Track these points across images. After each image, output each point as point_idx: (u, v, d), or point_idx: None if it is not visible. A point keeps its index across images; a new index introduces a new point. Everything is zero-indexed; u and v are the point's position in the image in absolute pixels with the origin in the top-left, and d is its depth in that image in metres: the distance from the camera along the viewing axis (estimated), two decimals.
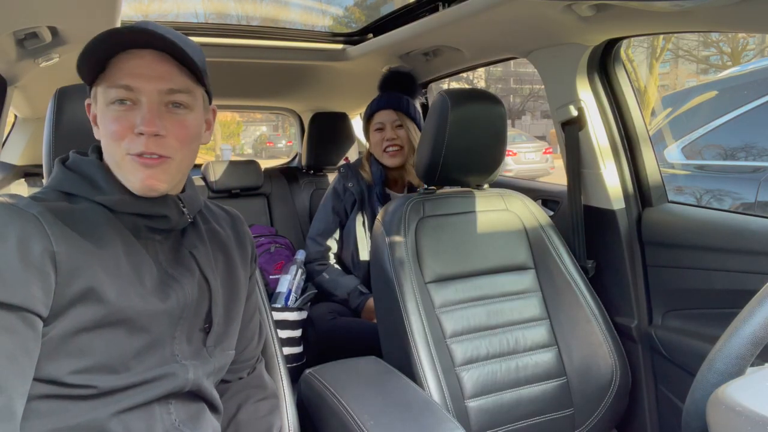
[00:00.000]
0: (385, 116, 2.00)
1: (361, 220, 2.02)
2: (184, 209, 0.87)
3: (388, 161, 1.99)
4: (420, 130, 1.98)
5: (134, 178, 0.79)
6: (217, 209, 1.01)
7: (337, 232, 2.07)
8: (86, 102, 0.84)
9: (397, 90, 2.05)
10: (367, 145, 2.09)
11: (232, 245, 0.97)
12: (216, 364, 0.90)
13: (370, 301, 1.86)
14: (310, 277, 2.03)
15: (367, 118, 2.05)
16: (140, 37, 0.76)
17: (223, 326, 0.91)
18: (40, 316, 0.70)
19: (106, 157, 0.82)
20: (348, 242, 2.04)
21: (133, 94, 0.77)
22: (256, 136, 25.67)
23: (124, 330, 0.77)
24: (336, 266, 2.04)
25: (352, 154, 2.74)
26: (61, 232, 0.73)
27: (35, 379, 0.71)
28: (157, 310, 0.79)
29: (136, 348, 0.78)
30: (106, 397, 0.75)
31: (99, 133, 0.82)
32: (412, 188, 2.04)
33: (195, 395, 0.87)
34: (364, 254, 2.01)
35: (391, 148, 1.97)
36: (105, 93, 0.78)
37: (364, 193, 2.04)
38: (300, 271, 1.95)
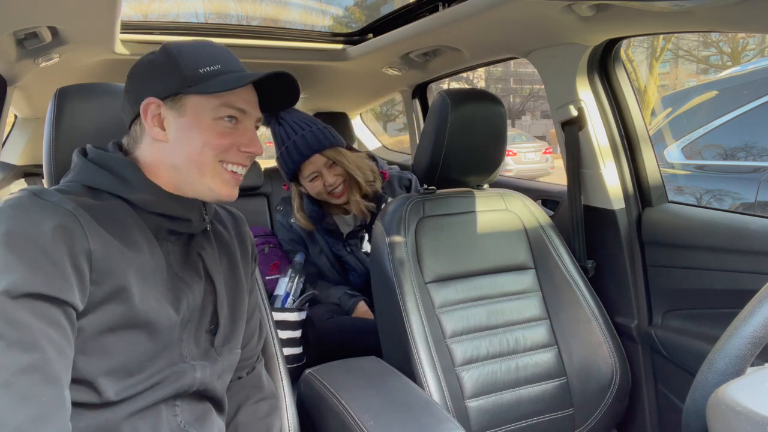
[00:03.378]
0: (313, 165, 1.77)
1: (317, 249, 1.96)
2: (206, 215, 0.90)
3: (338, 201, 1.83)
4: (341, 145, 1.82)
5: (223, 186, 0.86)
6: (220, 209, 1.03)
7: (309, 255, 2.01)
8: (150, 101, 0.83)
9: (281, 114, 1.79)
10: (299, 189, 1.88)
11: (235, 245, 0.99)
12: (225, 363, 0.91)
13: (362, 305, 1.87)
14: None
15: (293, 175, 1.81)
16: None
17: (230, 326, 0.92)
18: (76, 311, 0.72)
19: (188, 162, 0.83)
20: (323, 270, 2.00)
21: (243, 116, 0.86)
22: None
23: (143, 332, 0.78)
24: (322, 282, 2.01)
25: None
26: (95, 229, 0.74)
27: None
28: (172, 318, 0.81)
29: (151, 351, 0.79)
30: (121, 402, 0.76)
31: (164, 136, 0.83)
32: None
33: (202, 396, 0.88)
34: (335, 275, 1.97)
35: (336, 190, 1.80)
36: (217, 109, 0.83)
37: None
38: (299, 273, 1.94)
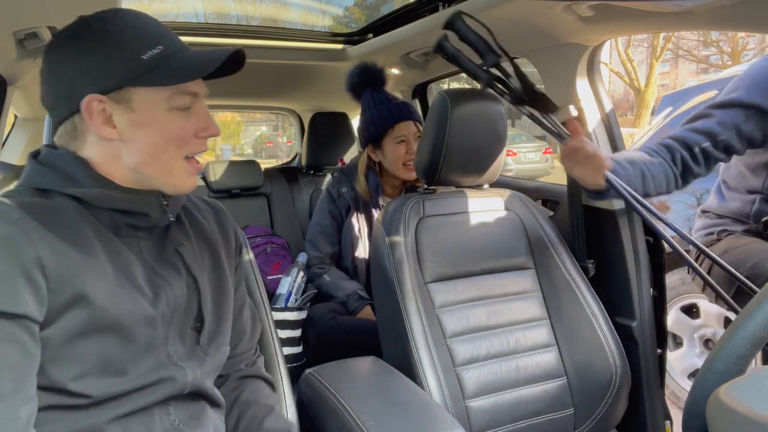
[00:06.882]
0: (406, 128, 1.89)
1: (357, 226, 1.99)
2: (167, 207, 0.84)
3: (407, 175, 1.90)
4: None
5: (188, 179, 0.82)
6: (199, 201, 0.99)
7: (335, 235, 2.03)
8: (92, 98, 0.75)
9: (373, 86, 1.94)
10: (371, 155, 1.97)
11: (217, 238, 0.95)
12: (212, 362, 0.89)
13: (368, 309, 1.87)
14: (309, 280, 2.02)
15: (385, 129, 1.89)
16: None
17: (215, 323, 0.90)
18: (36, 322, 0.69)
19: (150, 162, 0.78)
20: (346, 249, 2.02)
21: (195, 99, 0.80)
22: (256, 136, 25.68)
23: (117, 334, 0.75)
24: (336, 270, 2.03)
25: (353, 154, 2.74)
26: (44, 236, 0.71)
27: (39, 387, 0.70)
28: (148, 315, 0.78)
29: (130, 352, 0.77)
30: (104, 404, 0.75)
31: (115, 133, 0.77)
32: (410, 190, 1.99)
33: (195, 395, 0.87)
34: (363, 261, 1.99)
35: (411, 162, 1.86)
36: (171, 99, 0.77)
37: (359, 199, 1.99)
38: (301, 273, 1.94)
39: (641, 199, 1.21)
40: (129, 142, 0.77)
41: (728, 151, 1.36)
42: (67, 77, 0.76)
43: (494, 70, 1.17)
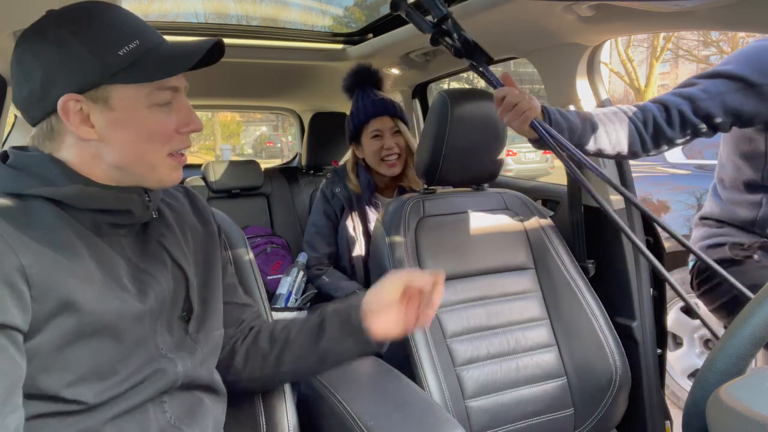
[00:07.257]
0: (381, 123, 1.91)
1: (352, 225, 1.99)
2: (149, 203, 0.82)
3: (388, 171, 1.92)
4: (407, 125, 1.96)
5: (173, 174, 0.80)
6: (172, 189, 0.97)
7: (332, 235, 2.03)
8: (68, 98, 0.72)
9: (362, 86, 1.95)
10: (356, 152, 2.00)
11: (195, 221, 0.94)
12: (204, 350, 0.87)
13: None
14: (309, 281, 2.02)
15: (361, 125, 1.93)
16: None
17: (202, 310, 0.88)
18: (20, 331, 0.67)
19: (132, 160, 0.76)
20: (342, 249, 2.02)
21: (175, 93, 0.78)
22: (256, 136, 25.69)
23: (108, 336, 0.73)
24: (335, 270, 2.03)
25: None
26: (24, 243, 0.68)
27: (30, 397, 0.69)
28: (137, 312, 0.76)
29: (121, 351, 0.75)
30: (99, 407, 0.73)
31: (94, 133, 0.74)
32: (403, 192, 1.98)
33: (190, 388, 0.85)
34: (360, 261, 2.00)
35: (390, 158, 1.90)
36: (151, 95, 0.75)
37: (353, 198, 1.99)
38: (301, 273, 1.94)
39: (572, 147, 1.18)
40: (109, 141, 0.75)
41: (709, 122, 1.28)
42: (39, 77, 0.73)
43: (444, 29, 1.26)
